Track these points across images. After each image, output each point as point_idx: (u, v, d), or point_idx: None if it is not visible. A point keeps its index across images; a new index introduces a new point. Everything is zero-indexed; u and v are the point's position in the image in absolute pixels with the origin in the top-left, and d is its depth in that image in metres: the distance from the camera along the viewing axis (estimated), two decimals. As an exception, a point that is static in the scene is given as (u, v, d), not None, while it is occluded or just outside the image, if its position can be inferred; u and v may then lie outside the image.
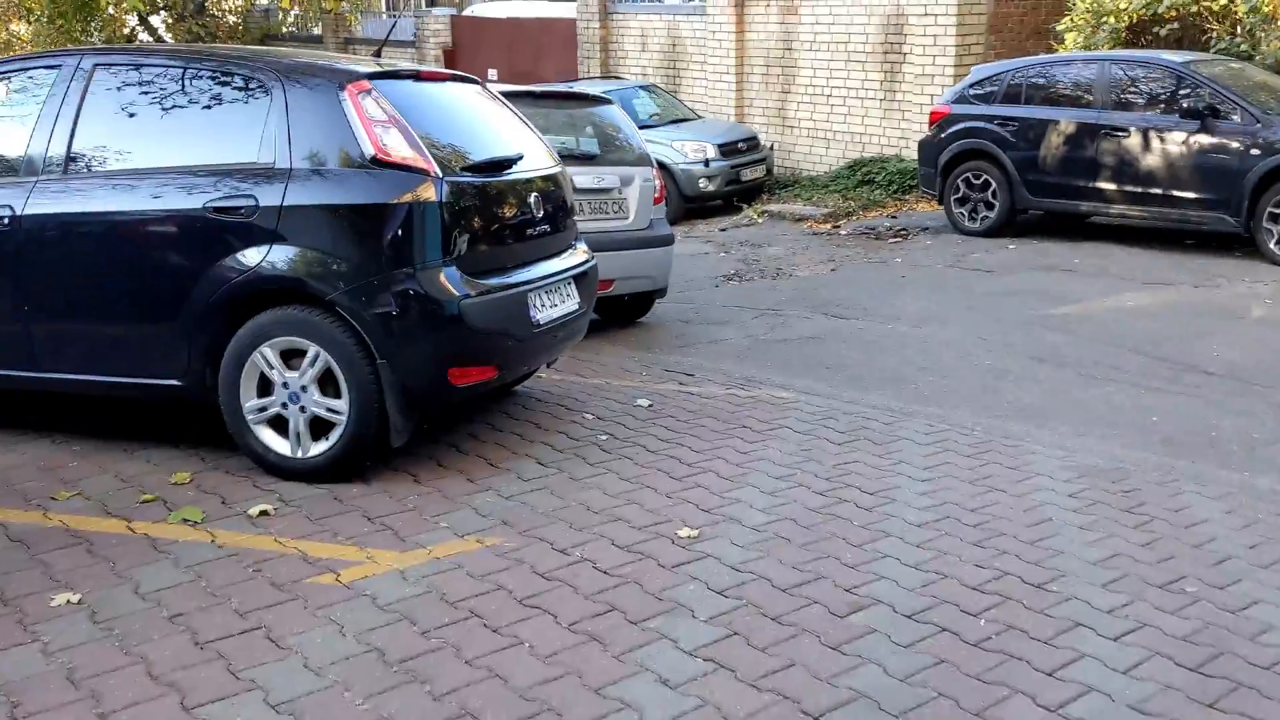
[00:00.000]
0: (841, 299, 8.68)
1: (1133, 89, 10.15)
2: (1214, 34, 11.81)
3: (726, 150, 14.06)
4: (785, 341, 7.38)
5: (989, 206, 10.95)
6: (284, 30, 23.99)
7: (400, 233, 4.30)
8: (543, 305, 4.85)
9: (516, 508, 4.21)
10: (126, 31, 22.52)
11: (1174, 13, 12.10)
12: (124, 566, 3.66)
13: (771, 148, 15.23)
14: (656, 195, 7.71)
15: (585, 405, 5.65)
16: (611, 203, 7.44)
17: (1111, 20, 12.38)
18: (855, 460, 4.86)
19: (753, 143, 14.64)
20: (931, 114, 11.61)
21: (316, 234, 4.34)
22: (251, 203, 4.36)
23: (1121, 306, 8.11)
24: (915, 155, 13.49)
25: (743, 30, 15.95)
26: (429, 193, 4.34)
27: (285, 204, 4.33)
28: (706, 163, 13.80)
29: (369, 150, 4.35)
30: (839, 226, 12.28)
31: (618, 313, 7.85)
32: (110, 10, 21.32)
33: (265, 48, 6.01)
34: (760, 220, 13.29)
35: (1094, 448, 5.20)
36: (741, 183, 14.25)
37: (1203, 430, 5.51)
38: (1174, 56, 10.25)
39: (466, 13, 24.29)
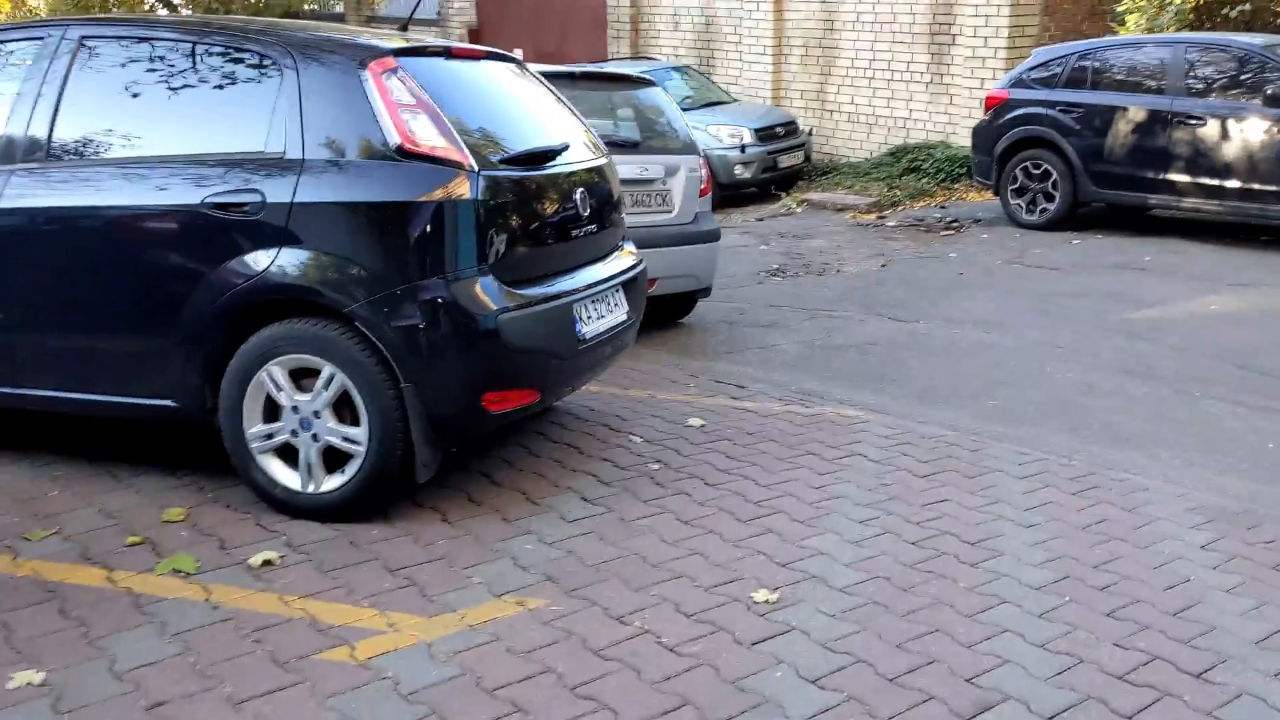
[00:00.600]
0: (897, 299, 8.04)
1: (1209, 74, 9.44)
2: (1290, 16, 11.08)
3: (763, 135, 13.40)
4: (842, 348, 6.75)
5: (1049, 198, 10.26)
6: (305, 6, 23.37)
7: (430, 235, 3.70)
8: (590, 317, 4.24)
9: (561, 558, 3.61)
10: (146, 6, 21.97)
11: (1256, -10, 11.36)
12: (100, 633, 3.08)
13: (810, 132, 14.55)
14: (703, 187, 7.08)
15: (630, 424, 5.04)
16: (655, 195, 6.82)
17: (1177, 1, 11.65)
18: (945, 499, 4.24)
19: (791, 127, 13.97)
20: (988, 99, 10.91)
21: (333, 236, 3.74)
22: (257, 198, 3.76)
23: (1206, 311, 7.44)
24: (963, 142, 12.84)
25: (781, 9, 15.25)
26: (463, 189, 3.74)
27: (296, 200, 3.72)
28: (743, 148, 13.15)
29: (394, 139, 3.74)
30: (885, 217, 11.61)
31: (658, 313, 7.22)
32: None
33: (278, 19, 5.38)
34: (799, 209, 12.64)
35: (1213, 482, 4.57)
36: (779, 169, 13.60)
37: (1329, 462, 4.88)
38: (1254, 39, 9.53)
39: (491, -10, 23.63)
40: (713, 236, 7.10)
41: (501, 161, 3.99)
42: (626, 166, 6.57)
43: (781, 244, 10.48)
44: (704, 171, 7.14)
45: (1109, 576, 3.59)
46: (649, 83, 7.39)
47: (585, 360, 4.26)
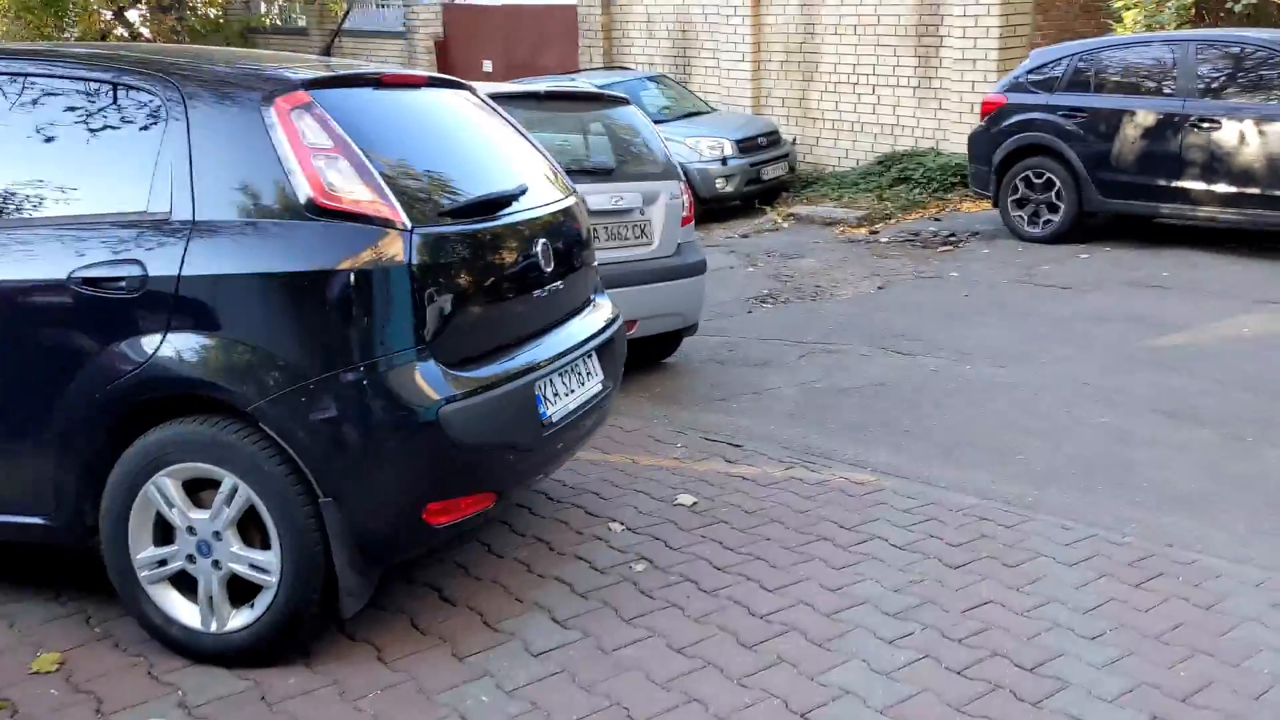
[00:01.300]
0: (900, 327, 7.35)
1: (1223, 73, 8.80)
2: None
3: (745, 146, 12.72)
4: (845, 391, 6.06)
5: (1053, 209, 9.60)
6: (266, 22, 22.58)
7: (352, 311, 2.98)
8: (557, 395, 3.53)
9: (525, 715, 2.89)
10: (101, 26, 21.15)
11: (1253, -15, 10.75)
12: None
13: (793, 142, 13.87)
14: (685, 215, 6.38)
15: (611, 506, 4.33)
16: (632, 226, 6.11)
17: (1179, -5, 11.03)
18: (987, 599, 3.55)
19: (773, 137, 13.29)
20: (984, 104, 10.25)
21: (231, 315, 3.02)
22: (136, 271, 3.03)
23: (1239, 335, 6.78)
24: (955, 148, 12.20)
25: (759, 13, 14.57)
26: (393, 251, 3.02)
27: (185, 273, 3.00)
28: (724, 160, 12.46)
29: (306, 192, 3.02)
30: (877, 232, 10.93)
31: (639, 353, 6.50)
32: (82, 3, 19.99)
33: (170, 45, 4.63)
34: (785, 224, 11.96)
35: (1295, 562, 3.90)
36: (762, 182, 12.92)
37: None
38: (1271, 35, 8.90)
39: (461, 1, 22.92)
40: (698, 269, 6.40)
41: (443, 214, 3.27)
42: (599, 196, 5.89)
43: (770, 264, 9.79)
44: (686, 197, 6.43)
45: (1204, 713, 2.90)
46: (623, 101, 6.68)
47: (553, 447, 3.55)
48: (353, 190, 3.06)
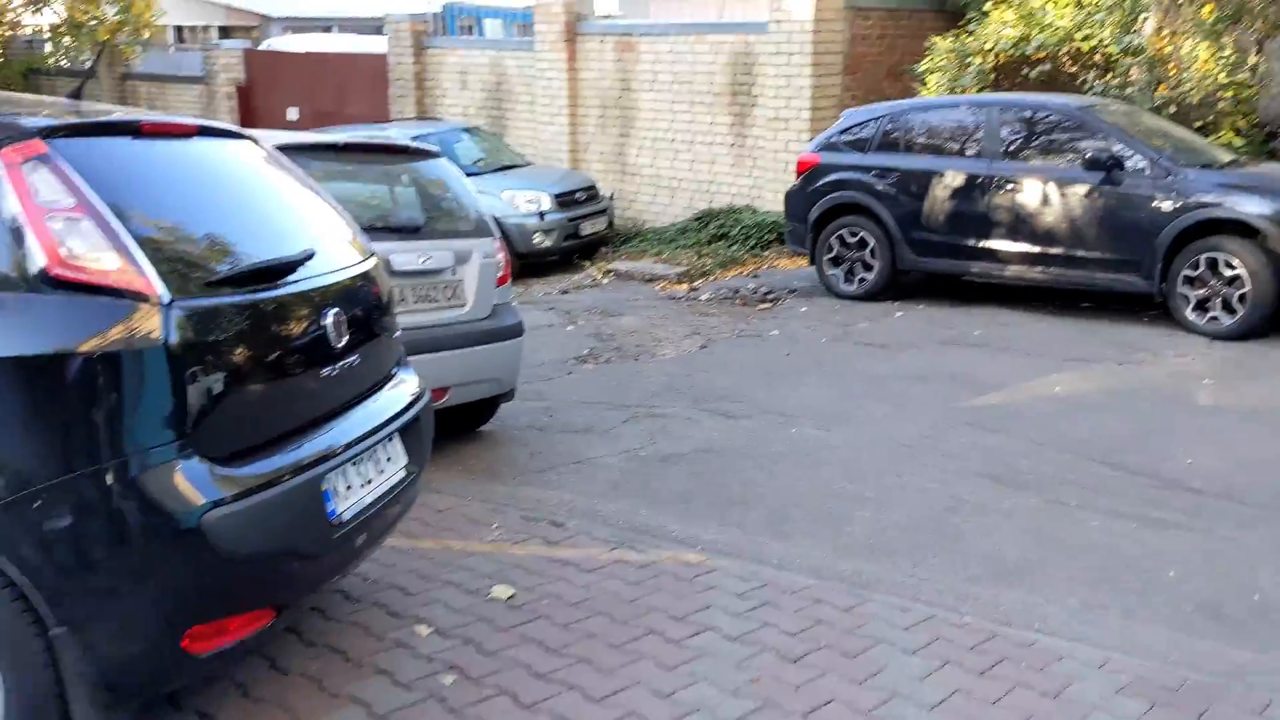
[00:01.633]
0: (723, 388, 7.17)
1: (1027, 137, 9.08)
2: (1086, 76, 10.97)
3: (563, 200, 12.49)
4: (671, 459, 5.79)
5: (867, 267, 9.69)
6: (50, 63, 21.14)
7: (96, 402, 2.50)
8: (349, 488, 3.10)
9: None
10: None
11: (1043, 53, 11.24)
12: None
13: (612, 197, 13.73)
14: (501, 274, 6.03)
15: (417, 603, 3.89)
16: (443, 287, 5.72)
17: (978, 61, 11.45)
18: (830, 698, 3.28)
19: (591, 192, 13.12)
20: (799, 163, 10.32)
21: (-60, 407, 2.49)
22: None
23: (1052, 394, 6.87)
24: (770, 206, 12.29)
25: (575, 67, 14.45)
26: (148, 328, 2.56)
27: (-120, 357, 2.46)
28: (541, 215, 12.19)
29: (40, 260, 2.53)
30: (697, 289, 10.83)
31: (453, 421, 6.10)
32: None
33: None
34: (605, 280, 11.76)
35: (1131, 636, 3.79)
36: (581, 237, 12.71)
37: (1242, 591, 4.20)
38: (1071, 101, 9.26)
39: (264, 46, 22.06)
40: (515, 332, 6.05)
41: (213, 284, 2.82)
42: (406, 256, 5.49)
43: (590, 322, 9.52)
44: (502, 256, 6.08)
45: (1066, 826, 2.69)
46: (432, 153, 6.29)
47: (347, 548, 3.11)
48: (98, 257, 2.58)
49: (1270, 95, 12.11)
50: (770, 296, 10.12)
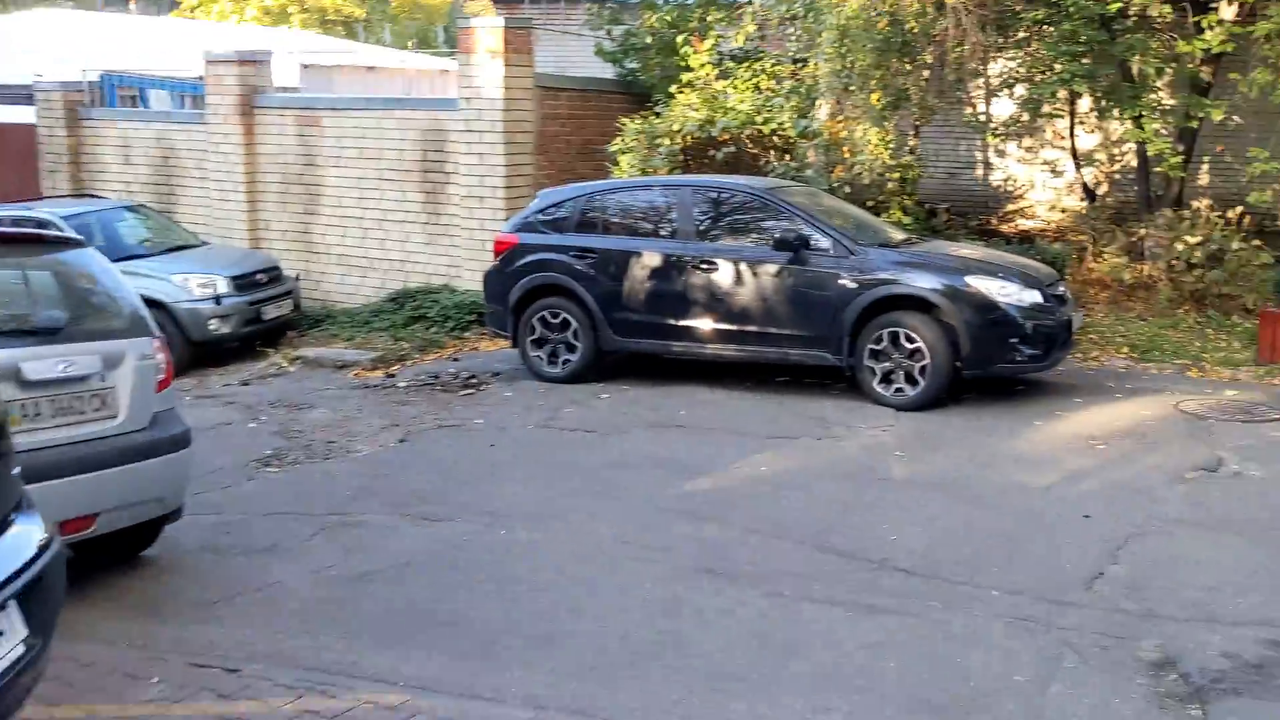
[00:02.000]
0: (425, 488, 6.68)
1: (718, 217, 9.23)
2: (769, 158, 11.41)
3: (242, 283, 11.58)
4: (367, 577, 5.23)
5: (571, 349, 9.48)
6: None
7: None
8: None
9: None
10: None
11: (727, 135, 11.60)
12: None
13: (297, 278, 12.90)
14: (162, 377, 5.30)
15: (51, 801, 3.17)
16: (90, 397, 4.93)
17: (667, 142, 11.65)
18: None
19: (274, 273, 12.25)
20: (496, 243, 10.02)
21: None
22: None
23: (758, 474, 6.85)
24: (469, 286, 11.92)
25: (253, 142, 13.58)
26: None
27: None
28: (218, 299, 11.23)
29: None
30: (394, 375, 10.24)
31: (104, 550, 5.26)
32: None
33: None
34: (292, 368, 10.93)
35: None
36: (263, 321, 11.81)
37: (956, 679, 4.18)
38: (759, 183, 9.52)
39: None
40: (180, 442, 5.32)
41: None
42: (42, 363, 4.71)
43: (275, 417, 8.74)
44: (162, 356, 5.35)
45: None
46: (76, 242, 5.49)
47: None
48: None
49: (927, 176, 13.13)
50: (473, 382, 9.70)
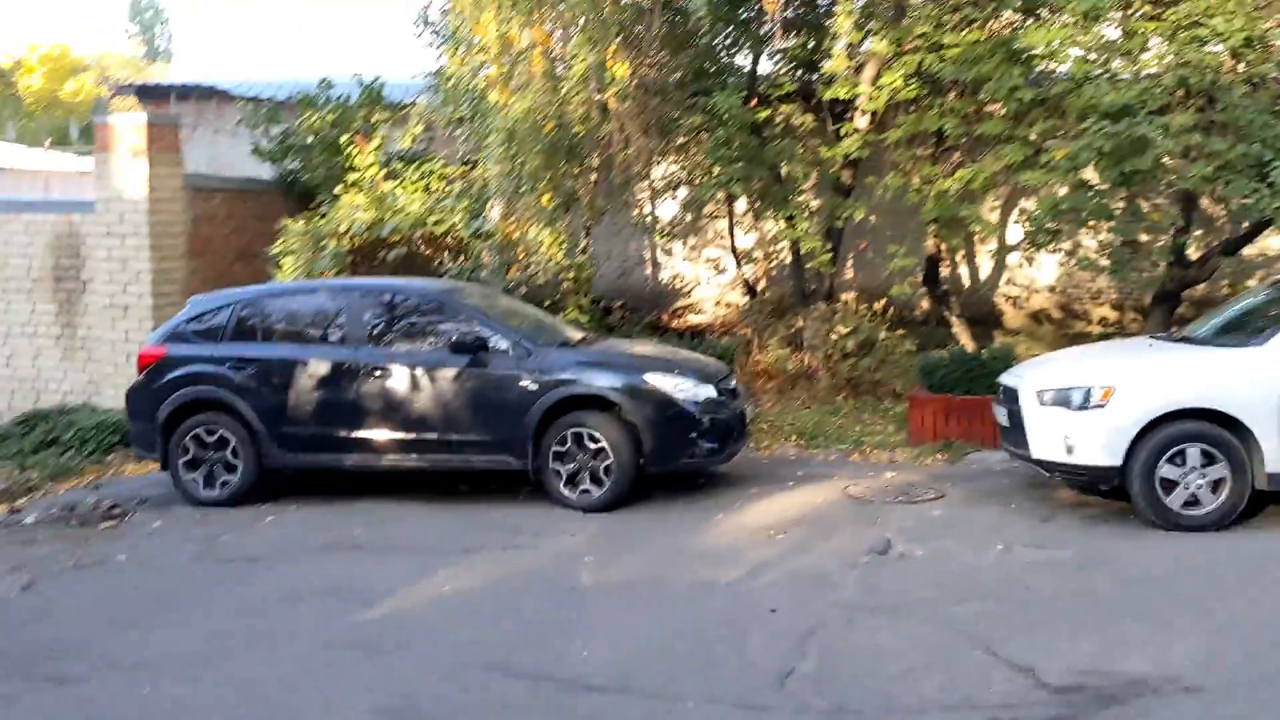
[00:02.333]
0: (58, 641, 5.77)
1: (391, 320, 8.81)
2: (442, 258, 11.16)
3: None
4: (-27, 766, 4.36)
5: (230, 469, 8.70)
6: None
7: None
8: None
9: None
10: None
11: (398, 236, 11.27)
12: None
13: (-98, 403, 11.22)
14: None
15: None
16: None
17: (333, 244, 11.17)
18: None
19: None
20: (140, 357, 9.11)
21: None
22: None
23: (442, 596, 6.42)
24: (111, 404, 10.81)
25: None
26: None
27: None
28: None
29: None
30: (19, 510, 8.97)
31: None
32: None
33: None
34: (-108, 510, 9.35)
35: None
36: None
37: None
38: (431, 284, 9.22)
39: None
40: None
41: None
42: None
43: None
44: None
45: None
46: None
47: None
48: None
49: (600, 274, 13.34)
50: (116, 512, 8.65)
